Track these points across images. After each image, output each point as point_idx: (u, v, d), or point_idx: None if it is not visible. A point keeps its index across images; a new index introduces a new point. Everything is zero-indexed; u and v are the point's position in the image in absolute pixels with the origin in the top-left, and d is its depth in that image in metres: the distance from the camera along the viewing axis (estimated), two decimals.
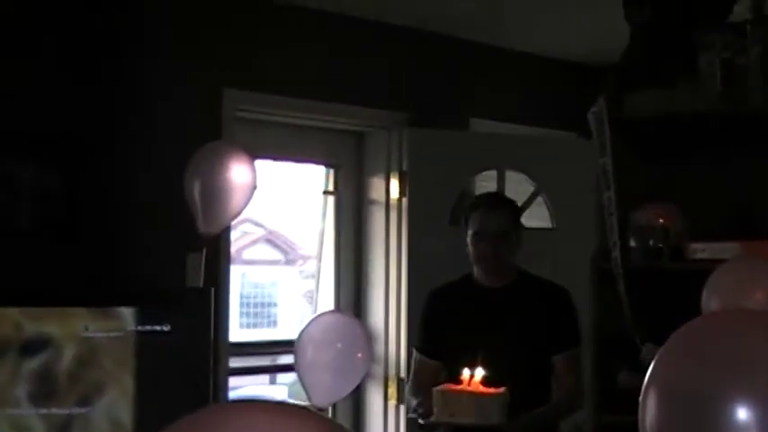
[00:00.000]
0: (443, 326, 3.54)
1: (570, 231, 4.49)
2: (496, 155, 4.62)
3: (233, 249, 4.12)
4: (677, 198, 3.89)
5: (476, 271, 3.55)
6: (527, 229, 4.69)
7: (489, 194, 3.79)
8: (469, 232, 3.52)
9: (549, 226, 4.66)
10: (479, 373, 3.18)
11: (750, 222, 3.80)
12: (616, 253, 3.77)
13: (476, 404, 3.15)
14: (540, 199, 4.67)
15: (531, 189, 4.69)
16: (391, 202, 4.48)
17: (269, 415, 1.08)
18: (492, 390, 3.17)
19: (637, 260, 3.76)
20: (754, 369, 1.65)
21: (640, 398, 1.78)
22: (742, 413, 1.60)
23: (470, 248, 3.53)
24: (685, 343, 1.76)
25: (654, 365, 1.75)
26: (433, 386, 3.32)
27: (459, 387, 3.20)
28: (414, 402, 3.45)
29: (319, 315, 4.20)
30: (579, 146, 4.52)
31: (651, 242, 3.73)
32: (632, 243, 3.77)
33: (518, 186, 4.73)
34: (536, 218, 4.75)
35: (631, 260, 3.76)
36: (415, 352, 3.64)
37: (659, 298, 3.52)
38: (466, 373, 3.19)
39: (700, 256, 3.62)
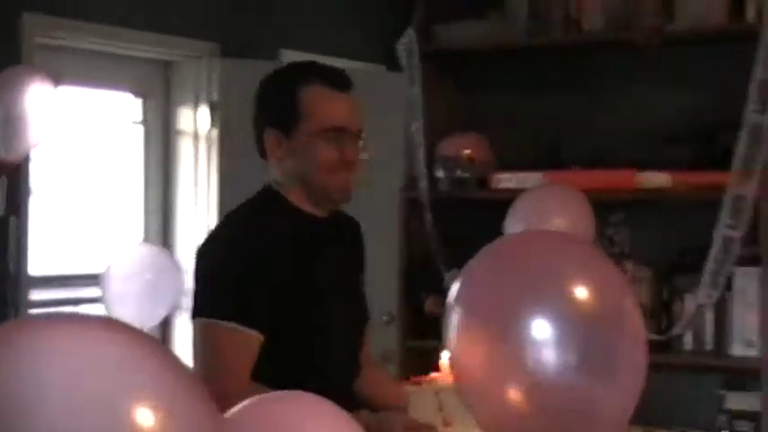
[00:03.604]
0: (278, 279, 2.28)
1: (381, 162, 4.53)
2: None
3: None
4: (486, 129, 3.99)
5: (301, 190, 2.38)
6: None
7: (334, 69, 2.46)
8: (313, 127, 2.32)
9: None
10: (446, 354, 2.11)
11: (554, 153, 3.94)
12: (423, 183, 3.84)
13: None
14: None
15: None
16: (201, 133, 4.42)
17: (75, 327, 1.05)
18: None
19: (443, 190, 3.85)
20: (550, 287, 1.72)
21: (444, 318, 1.82)
22: (539, 329, 1.66)
23: (317, 152, 2.33)
24: (486, 263, 1.81)
25: (457, 286, 1.79)
26: (253, 376, 2.21)
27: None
28: None
29: (128, 247, 4.13)
30: (390, 78, 4.55)
31: (458, 172, 3.82)
32: (439, 173, 3.85)
33: None
34: None
35: (438, 190, 3.84)
36: (217, 324, 2.23)
37: (465, 226, 3.60)
38: (445, 356, 2.18)
39: (504, 185, 3.73)
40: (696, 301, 3.48)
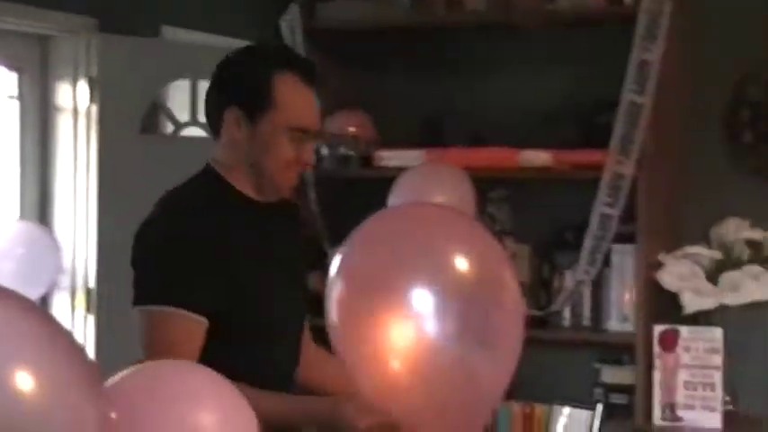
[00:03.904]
0: (222, 264, 2.21)
1: None
2: (189, 64, 4.54)
3: None
4: (370, 108, 3.99)
5: (248, 175, 2.32)
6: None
7: (309, 61, 2.47)
8: (281, 119, 2.26)
9: None
10: None
11: (437, 132, 3.96)
12: None
13: None
14: None
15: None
16: (79, 109, 4.34)
17: None
18: None
19: (327, 168, 3.84)
20: (430, 258, 1.73)
21: (326, 291, 1.83)
22: (419, 300, 1.68)
23: (279, 148, 2.27)
24: (366, 235, 1.82)
25: (338, 258, 1.79)
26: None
27: None
28: None
29: (3, 224, 4.02)
30: None
31: (341, 150, 3.82)
32: (323, 150, 3.84)
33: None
34: None
35: (322, 168, 3.84)
36: (159, 310, 2.17)
37: (349, 204, 3.60)
38: None
39: (387, 163, 3.74)
40: (575, 278, 3.55)
